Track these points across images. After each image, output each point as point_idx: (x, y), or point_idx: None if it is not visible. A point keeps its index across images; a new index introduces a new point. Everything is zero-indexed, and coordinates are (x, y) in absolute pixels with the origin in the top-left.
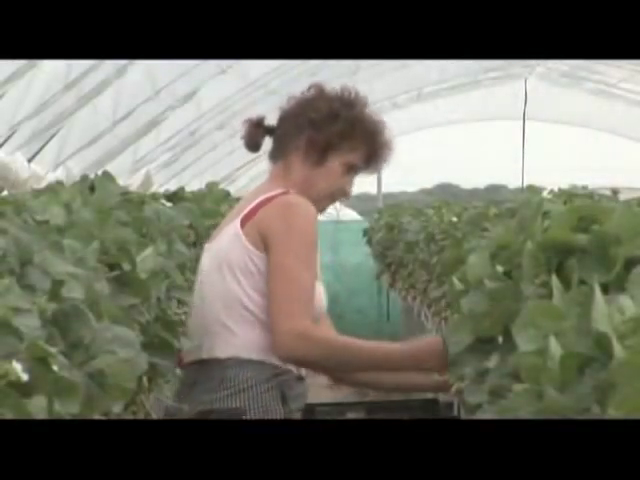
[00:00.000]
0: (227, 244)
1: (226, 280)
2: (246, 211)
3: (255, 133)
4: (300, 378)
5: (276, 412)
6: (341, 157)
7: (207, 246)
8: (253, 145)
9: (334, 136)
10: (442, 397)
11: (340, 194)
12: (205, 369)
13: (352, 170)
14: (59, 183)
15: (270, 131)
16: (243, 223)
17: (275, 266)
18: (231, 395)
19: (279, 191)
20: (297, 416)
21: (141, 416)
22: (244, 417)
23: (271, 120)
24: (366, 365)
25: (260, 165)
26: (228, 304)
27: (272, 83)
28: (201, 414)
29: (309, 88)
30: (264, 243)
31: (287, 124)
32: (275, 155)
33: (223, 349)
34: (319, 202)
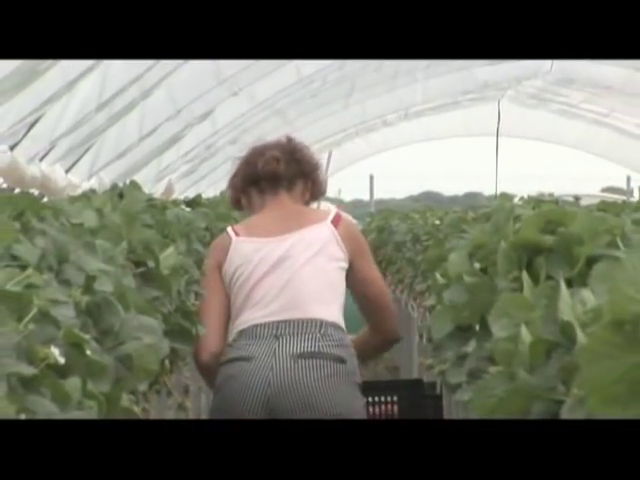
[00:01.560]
0: (324, 238)
1: (329, 266)
2: (331, 217)
3: (277, 165)
4: None
5: (359, 374)
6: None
7: (279, 238)
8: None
9: (315, 188)
10: (426, 377)
11: None
12: (302, 325)
13: None
14: (92, 191)
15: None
16: (335, 225)
17: (374, 270)
18: (332, 346)
19: (336, 210)
20: None
21: (164, 394)
22: (345, 365)
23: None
24: None
25: None
26: (330, 284)
27: (277, 104)
28: (306, 354)
29: (289, 140)
30: (350, 249)
31: (289, 168)
32: (279, 186)
33: (325, 314)
34: None
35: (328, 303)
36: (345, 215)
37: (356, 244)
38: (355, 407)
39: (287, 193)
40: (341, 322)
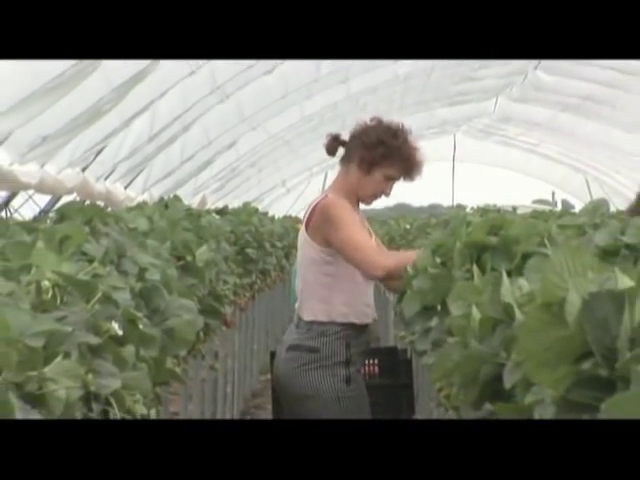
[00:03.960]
0: (302, 244)
1: (308, 269)
2: (306, 219)
3: (333, 144)
4: (362, 330)
5: (340, 353)
6: (382, 170)
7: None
8: (330, 151)
9: (377, 156)
10: (400, 345)
11: (380, 194)
12: (301, 321)
13: (391, 179)
14: (144, 203)
15: (343, 144)
16: (306, 227)
17: (337, 238)
18: (311, 338)
19: (322, 196)
20: (359, 357)
21: (199, 358)
22: (317, 353)
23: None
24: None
25: (278, 191)
26: (308, 285)
27: (286, 136)
28: (291, 347)
29: (372, 119)
30: (324, 239)
31: (351, 142)
32: (343, 161)
33: (307, 313)
34: (366, 198)
35: (309, 303)
36: (320, 204)
37: (320, 232)
38: (325, 387)
39: (345, 167)
40: (322, 315)
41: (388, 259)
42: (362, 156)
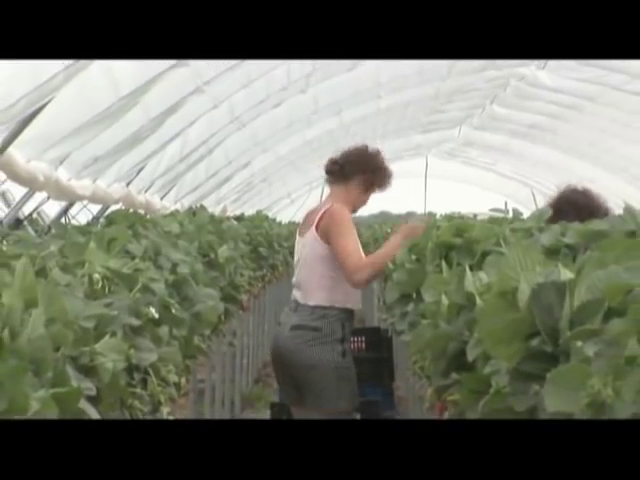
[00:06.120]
0: (310, 242)
1: (315, 263)
2: (316, 221)
3: (333, 166)
4: (353, 315)
5: (338, 331)
6: (374, 187)
7: (299, 238)
8: (330, 172)
9: (377, 179)
10: (382, 326)
11: (364, 204)
12: (301, 306)
13: (374, 191)
14: (176, 211)
15: (340, 166)
16: (317, 229)
17: (337, 243)
18: (314, 319)
19: (329, 205)
20: (350, 335)
21: (220, 336)
22: (319, 332)
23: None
24: (386, 258)
25: (284, 201)
26: (317, 277)
27: (291, 157)
28: (295, 326)
29: (361, 146)
30: (327, 237)
31: (350, 166)
32: (340, 179)
33: (311, 300)
34: (358, 208)
35: (315, 291)
36: (330, 210)
37: (327, 233)
38: (326, 359)
39: (343, 187)
40: (325, 302)
41: (364, 274)
42: (365, 178)
